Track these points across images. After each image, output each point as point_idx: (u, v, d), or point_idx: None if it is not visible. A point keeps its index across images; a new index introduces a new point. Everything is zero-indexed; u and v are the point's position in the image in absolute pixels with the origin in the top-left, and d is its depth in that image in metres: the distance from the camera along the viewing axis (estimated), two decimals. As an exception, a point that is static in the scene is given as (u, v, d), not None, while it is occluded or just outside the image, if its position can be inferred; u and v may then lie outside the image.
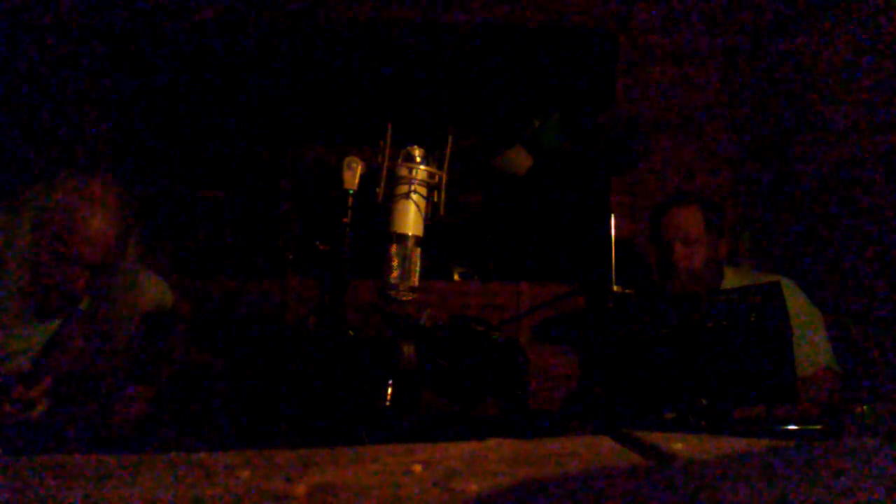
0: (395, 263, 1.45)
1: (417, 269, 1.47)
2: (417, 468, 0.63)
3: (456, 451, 0.70)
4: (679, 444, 0.71)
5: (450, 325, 1.67)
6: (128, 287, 1.72)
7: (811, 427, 1.49)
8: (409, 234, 1.47)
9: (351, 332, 1.48)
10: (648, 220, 2.27)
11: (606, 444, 0.78)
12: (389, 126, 1.50)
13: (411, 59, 3.53)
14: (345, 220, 1.47)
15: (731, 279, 2.15)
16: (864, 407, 1.41)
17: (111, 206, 1.58)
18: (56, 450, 1.50)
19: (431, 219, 1.51)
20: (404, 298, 1.45)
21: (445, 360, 1.60)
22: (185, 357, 1.95)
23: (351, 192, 1.49)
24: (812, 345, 2.02)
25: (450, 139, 1.52)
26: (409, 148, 1.51)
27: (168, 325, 1.86)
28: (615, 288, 1.79)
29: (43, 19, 3.11)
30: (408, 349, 1.49)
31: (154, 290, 1.88)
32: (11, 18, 3.00)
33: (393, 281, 1.44)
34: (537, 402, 2.73)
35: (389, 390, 1.46)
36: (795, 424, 1.50)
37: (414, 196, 1.48)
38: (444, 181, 1.51)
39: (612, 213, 1.96)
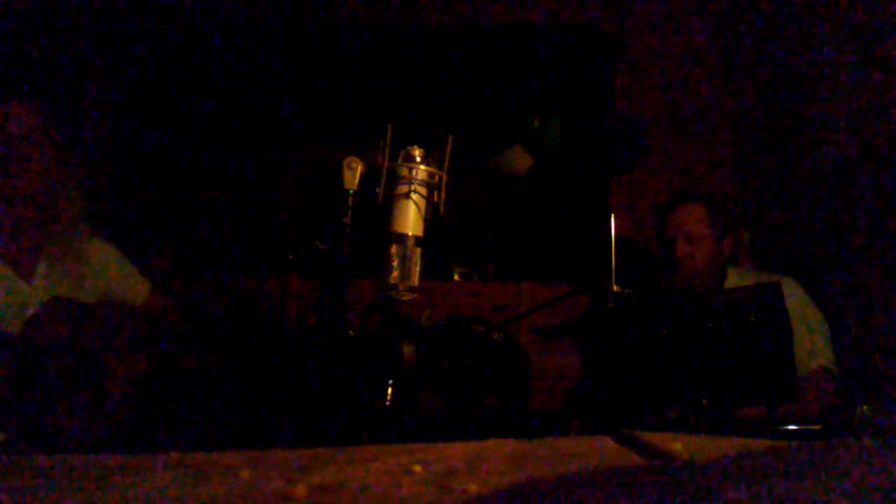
0: (395, 263, 1.45)
1: (417, 269, 1.47)
2: (417, 468, 0.63)
3: (456, 451, 0.70)
4: (679, 444, 0.71)
5: (450, 325, 1.67)
6: (73, 248, 1.76)
7: (811, 427, 1.50)
8: (409, 234, 1.47)
9: (351, 332, 1.48)
10: (654, 218, 2.28)
11: (606, 444, 0.78)
12: (389, 126, 1.49)
13: (411, 59, 3.53)
14: (345, 220, 1.47)
15: (733, 279, 2.15)
16: (864, 407, 1.41)
17: (23, 133, 1.63)
18: (58, 438, 1.50)
19: (431, 219, 1.51)
20: (404, 298, 1.45)
21: (445, 360, 1.60)
22: (170, 357, 1.94)
23: (351, 192, 1.49)
24: (812, 344, 2.02)
25: (450, 139, 1.52)
26: (409, 148, 1.51)
27: (144, 314, 1.85)
28: (615, 288, 1.79)
29: (47, 18, 3.11)
30: (408, 349, 1.49)
31: (115, 264, 1.88)
32: (16, 20, 3.01)
33: (393, 281, 1.44)
34: (537, 402, 2.73)
35: (389, 390, 1.46)
36: (795, 424, 1.51)
37: (414, 196, 1.48)
38: (444, 181, 1.51)
39: (612, 213, 1.96)
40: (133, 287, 1.90)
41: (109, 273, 1.85)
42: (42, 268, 1.71)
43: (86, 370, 1.61)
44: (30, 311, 1.61)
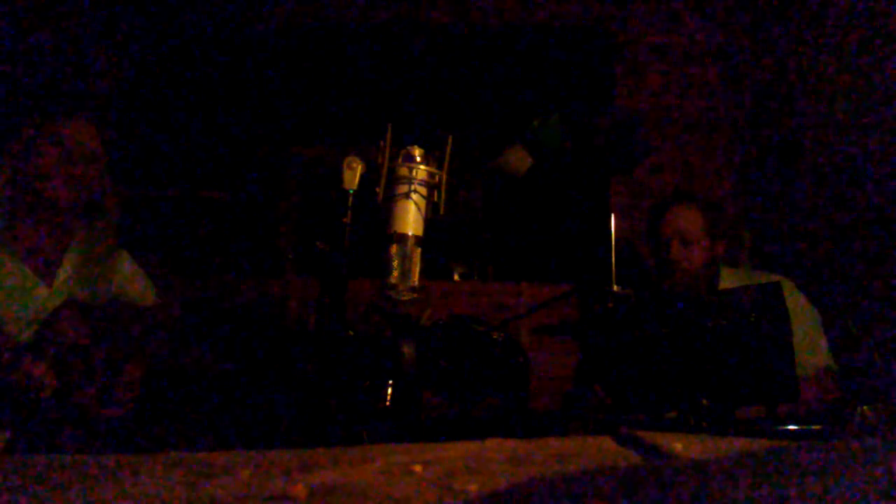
0: (395, 263, 1.45)
1: (417, 269, 1.47)
2: (417, 468, 0.63)
3: (456, 451, 0.70)
4: (679, 444, 0.71)
5: (450, 325, 1.67)
6: (93, 256, 1.80)
7: (811, 427, 1.49)
8: (409, 234, 1.46)
9: (351, 332, 1.48)
10: (647, 218, 2.27)
11: (606, 444, 0.78)
12: (389, 126, 1.49)
13: (411, 59, 3.53)
14: (345, 220, 1.47)
15: (728, 279, 2.15)
16: (864, 407, 1.40)
17: (83, 148, 1.70)
18: (58, 438, 1.50)
19: (431, 219, 1.51)
20: (404, 298, 1.45)
21: (445, 360, 1.60)
22: (170, 357, 1.96)
23: (351, 192, 1.49)
24: (810, 345, 2.02)
25: (450, 139, 1.52)
26: (409, 148, 1.51)
27: (147, 316, 1.87)
28: (615, 288, 1.79)
29: (48, 16, 3.11)
30: (408, 349, 1.49)
31: (129, 271, 1.92)
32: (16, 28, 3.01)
33: (393, 281, 1.44)
34: (537, 402, 2.73)
35: (389, 390, 1.46)
36: (795, 424, 1.50)
37: (414, 196, 1.48)
38: (444, 181, 1.51)
39: (612, 213, 1.96)
40: (143, 295, 1.95)
41: (124, 281, 1.90)
42: (63, 272, 1.73)
43: (94, 371, 1.61)
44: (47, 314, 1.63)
